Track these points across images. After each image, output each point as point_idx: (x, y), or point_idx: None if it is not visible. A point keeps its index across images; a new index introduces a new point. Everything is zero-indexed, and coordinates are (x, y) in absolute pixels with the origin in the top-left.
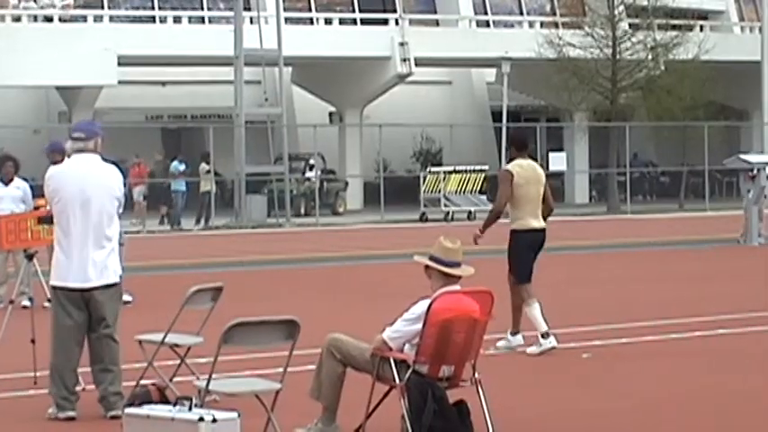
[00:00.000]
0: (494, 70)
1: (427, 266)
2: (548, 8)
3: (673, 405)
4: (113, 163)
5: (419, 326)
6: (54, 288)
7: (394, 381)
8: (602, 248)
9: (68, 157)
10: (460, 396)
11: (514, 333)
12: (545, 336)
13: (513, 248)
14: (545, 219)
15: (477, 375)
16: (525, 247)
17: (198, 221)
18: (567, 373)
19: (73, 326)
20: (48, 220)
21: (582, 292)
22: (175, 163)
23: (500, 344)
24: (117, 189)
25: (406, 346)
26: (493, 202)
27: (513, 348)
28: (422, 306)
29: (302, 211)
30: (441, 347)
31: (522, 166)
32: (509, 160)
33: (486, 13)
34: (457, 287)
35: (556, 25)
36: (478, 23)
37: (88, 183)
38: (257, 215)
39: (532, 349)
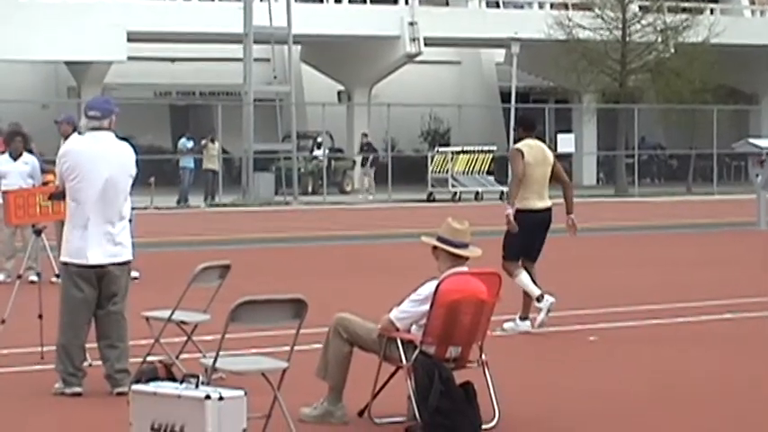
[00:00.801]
0: (503, 51)
1: (435, 247)
2: None
3: (679, 389)
4: (125, 140)
5: (426, 307)
6: (66, 264)
7: (401, 361)
8: (610, 231)
9: (80, 134)
10: (467, 377)
11: (524, 318)
12: (540, 299)
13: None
14: (569, 199)
15: (483, 357)
16: (525, 228)
17: (206, 198)
18: (573, 356)
19: (83, 302)
20: (59, 195)
21: (589, 275)
22: (183, 140)
23: (507, 325)
24: (132, 166)
25: (413, 327)
26: (500, 183)
27: (520, 332)
28: (429, 287)
29: (309, 189)
30: (448, 328)
31: (530, 146)
32: (516, 140)
33: None
34: (464, 268)
35: (566, 6)
36: (488, 4)
37: (106, 160)
38: (265, 193)
39: (541, 317)
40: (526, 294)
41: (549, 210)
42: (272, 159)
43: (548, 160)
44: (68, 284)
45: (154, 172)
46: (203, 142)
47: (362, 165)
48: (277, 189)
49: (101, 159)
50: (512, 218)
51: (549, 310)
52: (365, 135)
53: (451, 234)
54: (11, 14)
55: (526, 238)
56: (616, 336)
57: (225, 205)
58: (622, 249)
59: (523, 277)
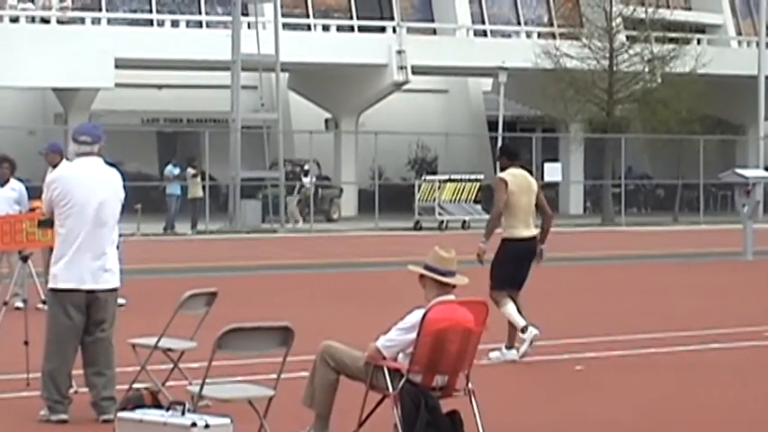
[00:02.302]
0: (490, 80)
1: (422, 275)
2: (545, 19)
3: (664, 418)
4: (113, 165)
5: (413, 335)
6: (54, 290)
7: (387, 389)
8: (596, 260)
9: (68, 159)
10: (453, 406)
11: (509, 347)
12: (524, 330)
13: (498, 255)
14: (546, 230)
15: (470, 386)
16: (512, 256)
17: (193, 226)
18: (559, 385)
19: (72, 328)
20: (47, 222)
21: (575, 304)
22: (170, 167)
23: (492, 355)
24: (121, 191)
25: (400, 356)
26: (488, 212)
27: (506, 361)
28: (416, 315)
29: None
30: (434, 357)
31: (514, 175)
32: (501, 169)
33: (483, 23)
34: (451, 297)
35: (553, 36)
36: (476, 33)
37: (98, 186)
38: (252, 220)
39: (524, 348)
40: (511, 324)
41: (535, 238)
42: (259, 187)
43: (532, 188)
44: (57, 311)
45: (140, 199)
46: (188, 170)
47: (290, 193)
48: (264, 216)
49: (93, 185)
50: (483, 251)
51: (532, 342)
52: (288, 162)
53: (438, 262)
54: (3, 41)
55: (513, 267)
56: (603, 365)
57: (212, 232)
58: (609, 278)
59: (510, 308)
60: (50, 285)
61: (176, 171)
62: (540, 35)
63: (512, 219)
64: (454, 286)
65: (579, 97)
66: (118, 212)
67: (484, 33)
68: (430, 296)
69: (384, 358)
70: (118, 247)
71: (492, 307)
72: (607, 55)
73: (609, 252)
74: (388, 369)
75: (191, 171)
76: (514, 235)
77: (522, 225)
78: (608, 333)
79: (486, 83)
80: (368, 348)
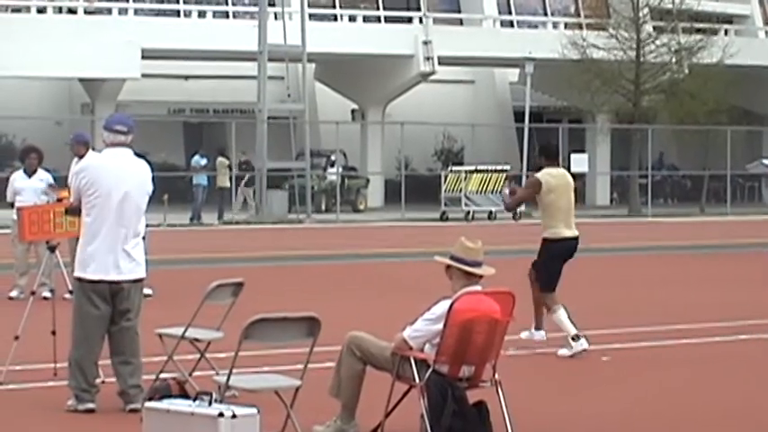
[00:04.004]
0: (517, 70)
1: (448, 266)
2: (572, 9)
3: (692, 410)
4: (142, 156)
5: (440, 326)
6: (80, 280)
7: (414, 380)
8: (623, 251)
9: (94, 149)
10: (480, 397)
11: (537, 329)
12: (575, 338)
13: (542, 256)
14: None
15: (497, 376)
16: (556, 256)
17: (220, 216)
18: (586, 376)
19: (98, 318)
20: (75, 211)
21: (602, 295)
22: (197, 157)
23: (523, 334)
24: (148, 184)
25: (427, 346)
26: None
27: (536, 340)
28: (443, 306)
29: (323, 207)
30: (461, 348)
31: (552, 175)
32: (537, 169)
33: (510, 13)
34: (478, 287)
35: (580, 26)
36: (502, 23)
37: (125, 177)
38: (278, 211)
39: (563, 351)
40: (538, 305)
41: (576, 239)
42: (286, 177)
43: (571, 187)
44: (83, 300)
45: (167, 189)
46: (219, 160)
47: (238, 184)
48: (290, 207)
49: (120, 176)
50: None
51: (574, 354)
52: (243, 153)
53: (465, 253)
54: (26, 30)
55: (560, 266)
56: (629, 356)
57: (238, 223)
58: (636, 270)
59: (561, 314)
60: (76, 274)
61: (203, 162)
62: (566, 26)
63: (552, 219)
64: (481, 276)
65: (606, 88)
66: (145, 204)
67: (510, 24)
68: (456, 287)
69: (411, 349)
70: (144, 238)
71: (518, 297)
72: (634, 46)
73: (635, 243)
74: (415, 360)
75: (222, 161)
76: (556, 235)
77: (562, 225)
78: (635, 324)
79: (513, 73)
80: (394, 339)
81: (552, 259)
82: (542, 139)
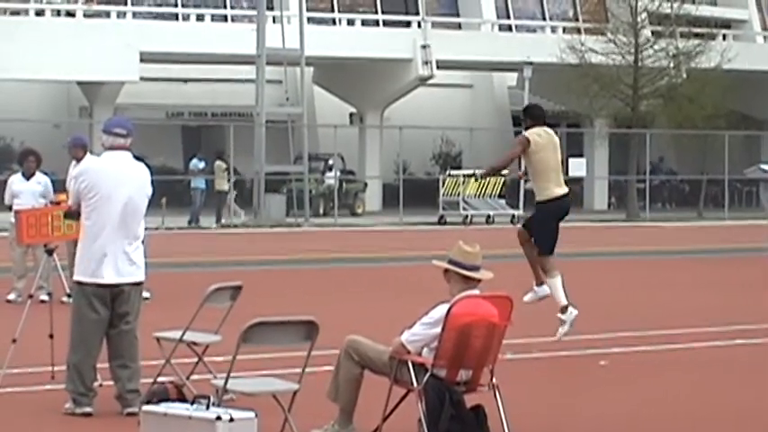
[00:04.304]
0: (515, 75)
1: (446, 270)
2: (570, 14)
3: (687, 415)
4: (140, 159)
5: (438, 330)
6: (80, 283)
7: (411, 384)
8: (621, 255)
9: (91, 152)
10: (478, 401)
11: (540, 284)
12: (564, 310)
13: (538, 219)
14: None
15: (494, 380)
16: (551, 217)
17: (218, 220)
18: (583, 380)
19: (97, 321)
20: (74, 214)
21: (600, 299)
22: (195, 161)
23: (527, 297)
24: (148, 187)
25: (425, 350)
26: (512, 207)
27: (541, 298)
28: (441, 310)
29: (321, 211)
30: (459, 352)
31: (539, 135)
32: (525, 129)
33: (508, 18)
34: (476, 291)
35: (578, 31)
36: (501, 27)
37: (125, 180)
38: (276, 214)
39: (564, 329)
40: (533, 264)
41: (567, 195)
42: (284, 181)
43: (557, 146)
44: (82, 304)
45: (165, 192)
46: (217, 163)
47: (236, 188)
48: (288, 211)
49: (120, 179)
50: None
51: (571, 324)
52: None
53: (463, 257)
54: (24, 33)
55: (556, 225)
56: (626, 360)
57: (236, 226)
58: (633, 274)
59: (558, 281)
60: (76, 278)
61: (201, 165)
62: (565, 30)
63: (542, 179)
64: (479, 281)
65: (604, 93)
66: (144, 207)
67: (509, 28)
68: (455, 291)
69: (408, 353)
70: (143, 242)
71: (516, 301)
72: (632, 50)
73: (633, 248)
74: (413, 363)
75: (220, 164)
76: (549, 195)
77: (553, 184)
78: (632, 328)
79: (511, 78)
80: (392, 343)
81: (547, 220)
82: None
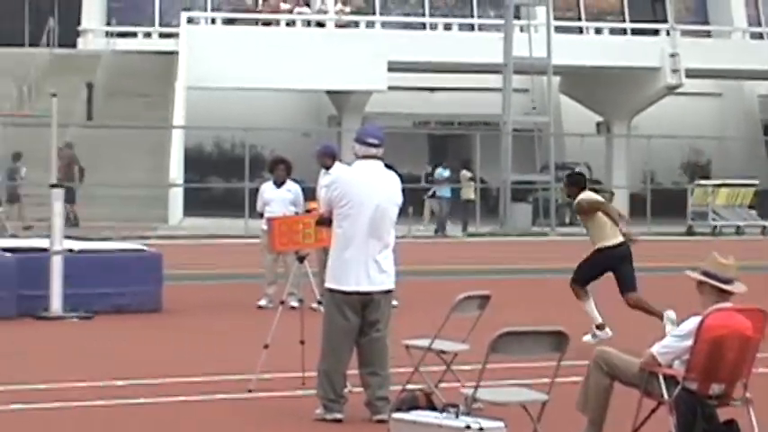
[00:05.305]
0: (766, 83)
1: (700, 282)
2: None
3: None
4: (391, 168)
5: (689, 342)
6: (331, 291)
7: (662, 396)
8: None
9: (340, 161)
10: (730, 415)
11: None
12: (600, 327)
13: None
14: None
15: (748, 395)
16: None
17: (464, 229)
18: None
19: (348, 329)
20: (325, 222)
21: None
22: (440, 169)
23: (585, 338)
24: (399, 195)
25: (676, 363)
26: (762, 218)
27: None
28: (692, 322)
29: (567, 220)
30: (711, 365)
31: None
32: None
33: (759, 25)
34: (729, 304)
35: None
36: (752, 35)
37: (376, 189)
38: (522, 223)
39: (587, 338)
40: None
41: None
42: (530, 190)
43: None
44: (333, 311)
45: (411, 201)
46: (463, 172)
47: (483, 197)
48: (534, 219)
49: (371, 188)
50: None
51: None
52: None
53: (718, 269)
54: (275, 44)
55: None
56: None
57: (482, 235)
58: None
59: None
60: (328, 285)
61: (446, 174)
62: None
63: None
64: (732, 294)
65: None
66: (395, 216)
67: (760, 36)
68: (708, 303)
69: (659, 365)
70: (394, 250)
71: None
72: None
73: None
74: (664, 376)
75: (466, 173)
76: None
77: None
78: None
79: (763, 86)
80: (643, 354)
81: None
82: None
